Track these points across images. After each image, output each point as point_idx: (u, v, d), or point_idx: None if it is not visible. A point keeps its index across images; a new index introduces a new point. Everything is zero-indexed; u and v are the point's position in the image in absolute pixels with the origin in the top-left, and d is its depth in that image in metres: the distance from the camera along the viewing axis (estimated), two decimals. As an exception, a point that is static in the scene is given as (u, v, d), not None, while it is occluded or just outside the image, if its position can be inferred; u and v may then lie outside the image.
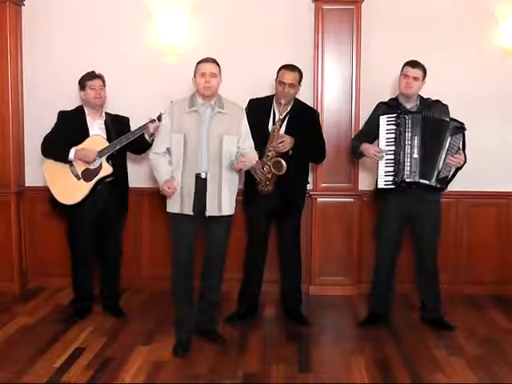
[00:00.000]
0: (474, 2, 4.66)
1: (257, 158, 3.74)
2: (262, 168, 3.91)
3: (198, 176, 3.57)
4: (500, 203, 4.78)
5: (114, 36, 4.73)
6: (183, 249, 3.66)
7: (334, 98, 4.63)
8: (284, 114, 3.95)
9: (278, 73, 4.00)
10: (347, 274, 4.75)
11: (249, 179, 4.09)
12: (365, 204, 4.73)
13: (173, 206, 3.63)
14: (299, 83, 3.99)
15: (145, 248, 4.86)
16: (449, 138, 3.80)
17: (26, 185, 4.91)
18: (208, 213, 3.59)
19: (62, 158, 4.00)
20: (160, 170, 3.63)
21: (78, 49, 4.73)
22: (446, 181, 3.87)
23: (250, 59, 4.67)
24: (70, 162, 4.01)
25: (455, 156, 3.82)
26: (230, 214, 3.69)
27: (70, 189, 4.01)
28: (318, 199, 4.69)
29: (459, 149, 3.84)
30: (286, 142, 3.88)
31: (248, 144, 3.71)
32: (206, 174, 3.57)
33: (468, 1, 4.67)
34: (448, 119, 3.84)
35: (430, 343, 3.80)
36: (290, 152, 3.92)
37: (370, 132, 4.02)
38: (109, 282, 4.29)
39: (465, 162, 3.89)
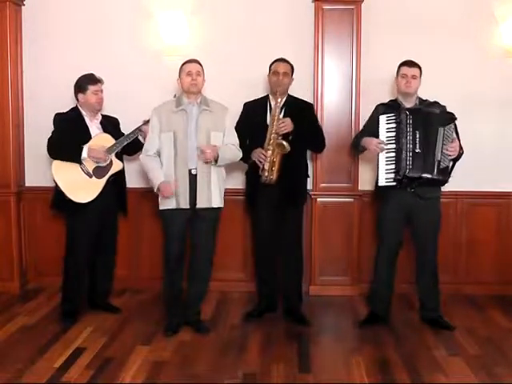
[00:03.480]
0: (474, 2, 4.66)
1: (239, 155, 3.94)
2: (265, 153, 3.97)
3: (189, 172, 3.76)
4: (500, 203, 4.78)
5: (114, 36, 4.73)
6: (177, 244, 3.86)
7: (334, 98, 4.63)
8: (281, 104, 4.02)
9: (270, 67, 4.15)
10: (347, 274, 4.74)
11: (250, 178, 4.17)
12: (365, 204, 4.73)
13: (168, 203, 3.80)
14: (291, 75, 4.13)
15: (144, 248, 4.86)
16: (442, 130, 3.83)
17: (26, 185, 4.92)
18: (198, 205, 3.77)
19: (75, 157, 3.97)
20: (154, 170, 3.83)
21: (77, 49, 4.74)
22: (446, 172, 3.88)
23: (249, 59, 4.68)
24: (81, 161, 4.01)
25: (451, 145, 3.84)
26: (219, 206, 3.88)
27: (83, 187, 3.99)
28: (318, 199, 4.69)
29: (454, 138, 3.87)
30: (286, 123, 3.98)
31: (230, 139, 3.90)
32: (196, 169, 3.76)
33: (468, 1, 4.67)
34: (438, 111, 3.87)
35: (430, 343, 3.80)
36: (291, 137, 3.98)
37: (369, 132, 4.03)
38: (103, 280, 4.28)
39: (462, 152, 3.92)
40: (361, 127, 4.52)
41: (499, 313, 4.37)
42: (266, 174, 3.99)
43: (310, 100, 4.51)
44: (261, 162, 3.98)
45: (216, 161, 3.78)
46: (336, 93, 4.64)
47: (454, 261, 4.77)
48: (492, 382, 3.28)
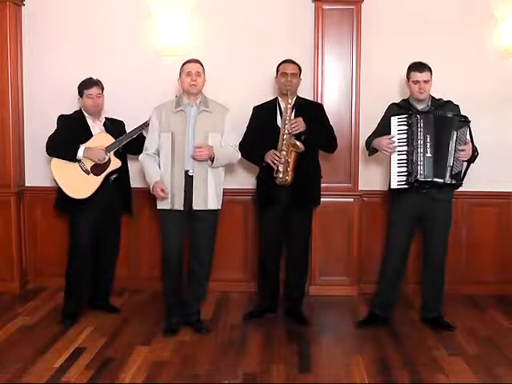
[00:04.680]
0: (474, 2, 4.66)
1: (237, 156, 3.94)
2: (279, 154, 3.94)
3: (186, 173, 3.76)
4: (500, 203, 4.78)
5: (114, 36, 4.73)
6: (174, 244, 3.86)
7: (334, 98, 4.63)
8: (292, 104, 3.99)
9: (278, 68, 4.13)
10: (347, 274, 4.74)
11: (263, 181, 4.12)
12: (365, 204, 4.73)
13: (163, 203, 3.81)
14: (299, 75, 4.12)
15: (144, 248, 4.86)
16: (455, 133, 3.79)
17: (26, 185, 4.92)
18: (194, 206, 3.77)
19: (70, 156, 3.98)
20: (150, 170, 3.85)
21: (77, 49, 4.74)
22: (459, 176, 3.85)
23: (249, 59, 4.68)
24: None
25: (463, 148, 3.80)
26: (216, 208, 3.87)
27: (80, 184, 4.00)
28: (318, 199, 4.69)
29: (467, 141, 3.82)
30: (299, 123, 3.95)
31: (230, 140, 3.88)
32: (193, 170, 3.76)
33: (468, 1, 4.67)
34: (451, 115, 3.83)
35: (429, 343, 3.80)
36: (303, 137, 3.97)
37: (382, 132, 3.98)
38: (105, 281, 4.29)
39: (477, 154, 3.88)
40: (361, 127, 4.53)
41: (499, 313, 4.37)
42: (281, 175, 3.96)
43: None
44: (275, 163, 3.96)
45: (212, 161, 3.77)
46: (336, 93, 4.64)
47: (454, 261, 4.75)
48: (492, 382, 3.28)
